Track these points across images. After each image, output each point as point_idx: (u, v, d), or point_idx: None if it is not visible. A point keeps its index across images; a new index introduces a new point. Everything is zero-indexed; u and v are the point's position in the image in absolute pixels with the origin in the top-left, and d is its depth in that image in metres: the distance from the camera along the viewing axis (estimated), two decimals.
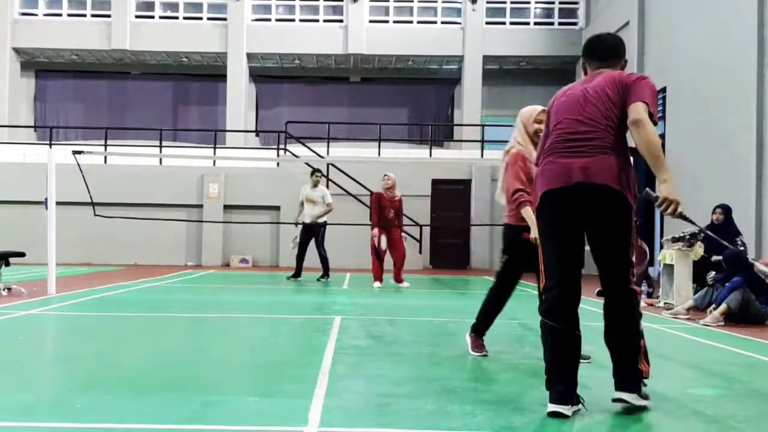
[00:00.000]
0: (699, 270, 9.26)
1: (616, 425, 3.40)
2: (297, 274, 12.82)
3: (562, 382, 3.53)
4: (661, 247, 10.05)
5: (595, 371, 4.85)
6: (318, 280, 12.79)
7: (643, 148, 3.65)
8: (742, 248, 9.11)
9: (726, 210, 9.72)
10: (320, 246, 12.75)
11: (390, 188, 11.54)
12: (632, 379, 3.65)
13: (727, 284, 8.02)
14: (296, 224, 13.02)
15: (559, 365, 3.58)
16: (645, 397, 3.69)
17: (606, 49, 4.05)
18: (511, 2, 22.28)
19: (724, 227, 9.52)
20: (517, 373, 4.64)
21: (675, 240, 9.48)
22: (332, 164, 18.09)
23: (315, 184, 12.80)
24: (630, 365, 3.66)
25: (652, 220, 15.97)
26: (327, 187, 18.01)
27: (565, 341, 3.62)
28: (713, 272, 9.10)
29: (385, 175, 11.70)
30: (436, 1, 22.38)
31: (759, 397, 4.18)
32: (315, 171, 13.05)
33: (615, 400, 3.64)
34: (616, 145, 3.79)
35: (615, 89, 3.75)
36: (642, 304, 9.99)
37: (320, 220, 12.69)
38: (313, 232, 12.72)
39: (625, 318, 3.73)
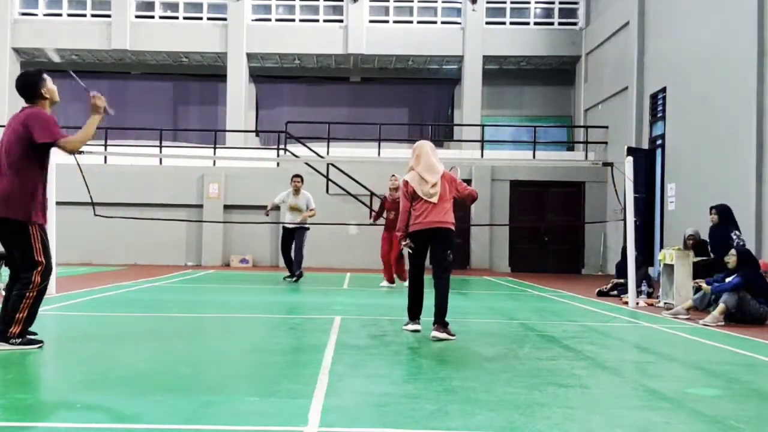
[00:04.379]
0: (698, 270, 9.27)
1: (615, 425, 3.40)
2: (292, 274, 12.71)
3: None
4: (662, 247, 10.05)
5: (594, 371, 4.86)
6: (284, 279, 12.67)
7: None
8: (740, 243, 9.09)
9: (720, 210, 9.64)
10: (300, 248, 12.49)
11: (395, 189, 11.32)
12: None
13: (725, 283, 8.03)
14: (267, 213, 12.87)
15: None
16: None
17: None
18: (511, 2, 22.26)
19: (720, 227, 9.52)
20: (517, 373, 4.63)
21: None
22: (332, 164, 18.09)
23: (297, 190, 12.52)
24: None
25: (652, 221, 15.98)
26: (327, 187, 18.06)
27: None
28: (702, 258, 9.11)
29: (393, 175, 11.68)
30: (436, 1, 22.37)
31: (759, 397, 4.19)
32: (295, 176, 12.74)
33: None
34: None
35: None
36: (642, 304, 10.05)
37: (303, 224, 12.58)
38: (295, 232, 12.53)
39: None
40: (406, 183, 6.59)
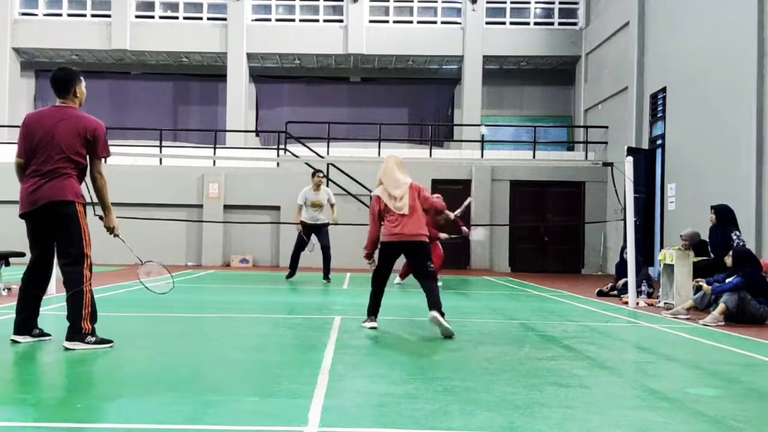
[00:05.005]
0: (698, 270, 9.27)
1: (615, 425, 3.40)
2: (292, 273, 12.66)
3: None
4: (662, 247, 10.04)
5: (594, 371, 4.85)
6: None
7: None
8: (740, 243, 9.08)
9: (719, 211, 9.57)
10: (328, 247, 12.49)
11: None
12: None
13: (725, 283, 8.02)
14: (299, 228, 12.57)
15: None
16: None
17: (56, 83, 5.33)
18: (511, 2, 22.27)
19: (720, 228, 9.47)
20: (517, 373, 4.63)
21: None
22: (332, 164, 18.09)
23: (318, 186, 12.46)
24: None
25: (652, 221, 15.98)
26: (327, 187, 18.06)
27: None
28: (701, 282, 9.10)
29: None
30: (436, 1, 22.38)
31: (759, 397, 4.18)
32: (316, 171, 12.68)
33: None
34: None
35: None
36: (642, 304, 10.04)
37: (325, 221, 12.52)
38: (320, 229, 12.44)
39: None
40: (378, 198, 6.81)
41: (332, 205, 12.54)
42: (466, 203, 12.17)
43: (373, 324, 6.73)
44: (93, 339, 5.15)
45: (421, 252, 6.64)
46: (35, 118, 5.33)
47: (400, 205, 6.67)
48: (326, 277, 12.64)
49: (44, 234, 5.34)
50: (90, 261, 5.32)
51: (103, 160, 5.37)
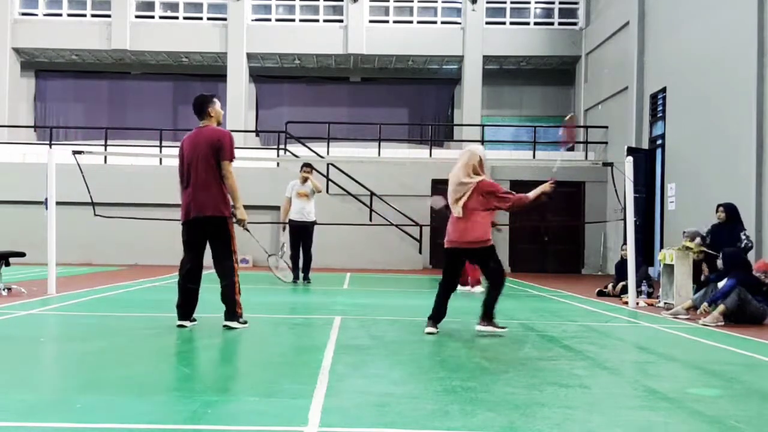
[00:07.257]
0: (698, 270, 9.25)
1: (615, 425, 3.40)
2: (296, 277, 12.48)
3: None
4: (662, 247, 10.02)
5: (594, 371, 4.85)
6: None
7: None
8: (748, 244, 9.05)
9: (728, 208, 9.52)
10: (310, 248, 12.35)
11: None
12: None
13: (722, 284, 8.00)
14: (284, 227, 12.50)
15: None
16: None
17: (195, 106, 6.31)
18: (511, 2, 22.28)
19: (728, 225, 9.40)
20: (517, 373, 4.63)
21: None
22: (332, 164, 18.09)
23: (304, 181, 12.31)
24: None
25: (652, 221, 15.98)
26: (327, 187, 18.05)
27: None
28: (707, 270, 9.08)
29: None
30: (436, 1, 22.38)
31: (759, 397, 4.18)
32: (305, 165, 12.46)
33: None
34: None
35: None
36: (642, 303, 10.02)
37: (312, 218, 12.41)
38: (305, 231, 12.30)
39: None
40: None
41: (317, 189, 12.43)
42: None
43: (431, 329, 6.39)
44: (242, 320, 6.43)
45: (481, 256, 6.55)
46: (186, 140, 6.32)
47: (454, 208, 6.56)
48: (306, 278, 12.39)
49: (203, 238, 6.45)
50: (236, 255, 6.45)
51: (229, 162, 6.23)
